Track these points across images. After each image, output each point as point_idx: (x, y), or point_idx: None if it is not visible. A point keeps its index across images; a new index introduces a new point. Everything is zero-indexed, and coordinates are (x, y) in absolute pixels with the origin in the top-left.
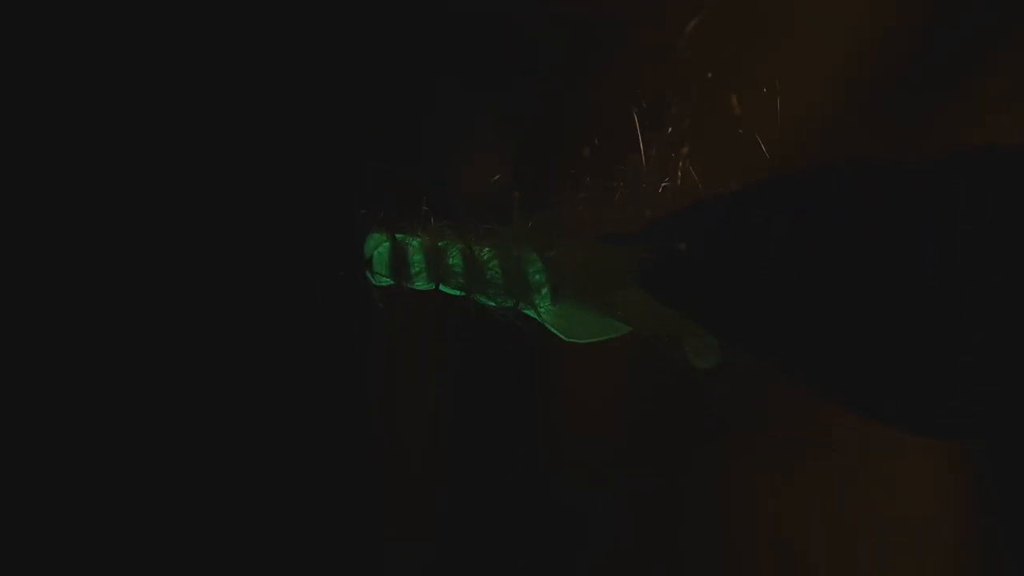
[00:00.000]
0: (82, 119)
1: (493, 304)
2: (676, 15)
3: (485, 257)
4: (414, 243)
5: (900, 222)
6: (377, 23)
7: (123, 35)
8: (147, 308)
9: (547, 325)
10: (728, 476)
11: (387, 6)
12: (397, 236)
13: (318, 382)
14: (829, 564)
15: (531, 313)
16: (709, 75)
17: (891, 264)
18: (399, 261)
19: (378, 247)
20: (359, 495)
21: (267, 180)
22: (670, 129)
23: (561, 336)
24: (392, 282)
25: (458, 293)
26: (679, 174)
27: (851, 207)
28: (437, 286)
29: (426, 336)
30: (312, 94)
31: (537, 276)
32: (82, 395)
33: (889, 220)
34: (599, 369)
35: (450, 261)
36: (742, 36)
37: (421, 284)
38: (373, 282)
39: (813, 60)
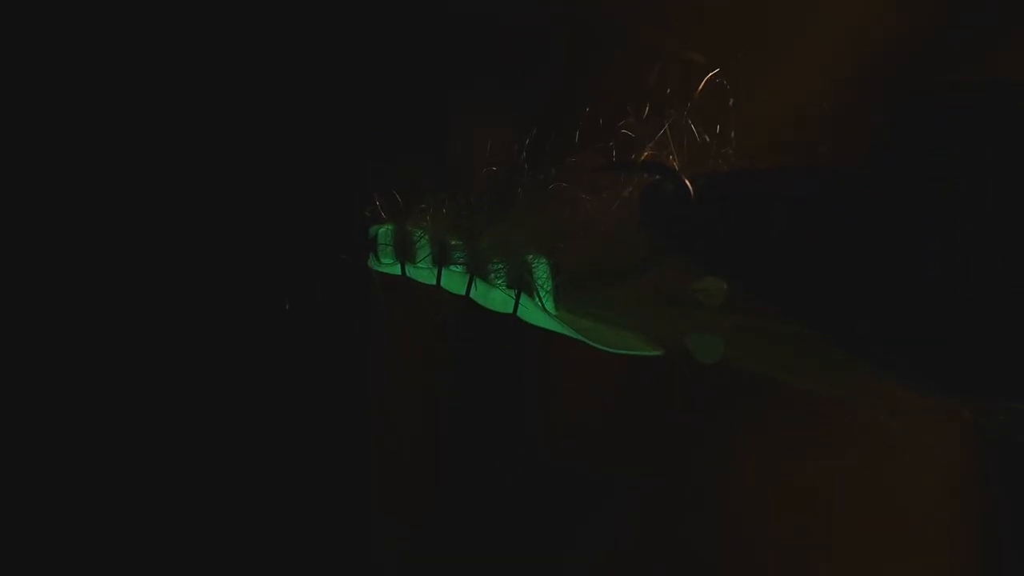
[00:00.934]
0: (84, 118)
1: (494, 296)
2: (676, 16)
3: (486, 244)
4: (418, 226)
5: (900, 212)
6: (378, 23)
7: (124, 35)
8: (147, 306)
9: (554, 322)
10: (728, 475)
11: (387, 6)
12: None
13: (318, 381)
14: (829, 563)
15: (535, 308)
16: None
17: (891, 253)
18: (403, 238)
19: (382, 228)
20: (358, 494)
21: (267, 180)
22: (665, 129)
23: (570, 333)
24: (394, 262)
25: (459, 290)
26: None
27: (851, 197)
28: (440, 271)
29: (426, 336)
30: (313, 94)
31: (540, 272)
32: (81, 388)
33: (889, 210)
34: (599, 369)
35: (452, 242)
36: (743, 36)
37: (424, 265)
38: (376, 266)
39: (814, 60)
